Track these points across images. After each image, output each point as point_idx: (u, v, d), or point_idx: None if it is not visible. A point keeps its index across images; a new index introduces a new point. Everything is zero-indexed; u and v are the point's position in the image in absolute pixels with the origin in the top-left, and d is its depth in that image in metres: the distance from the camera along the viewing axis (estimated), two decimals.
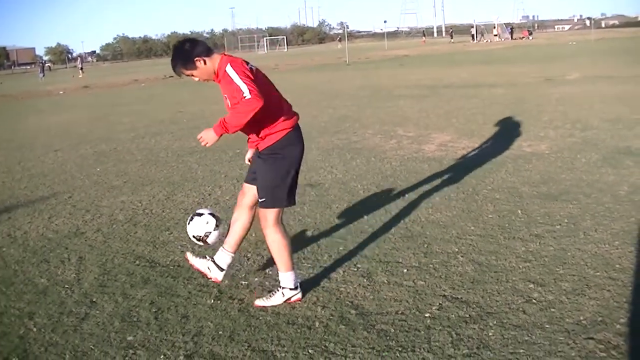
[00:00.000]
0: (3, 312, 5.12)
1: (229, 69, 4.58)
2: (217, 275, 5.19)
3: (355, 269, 5.48)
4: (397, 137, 11.83)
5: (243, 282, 5.26)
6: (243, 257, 5.95)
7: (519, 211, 6.82)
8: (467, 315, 4.48)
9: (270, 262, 5.77)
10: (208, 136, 4.65)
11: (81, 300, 5.22)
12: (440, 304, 4.70)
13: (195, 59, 4.72)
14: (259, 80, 4.67)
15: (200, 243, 5.23)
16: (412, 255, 5.71)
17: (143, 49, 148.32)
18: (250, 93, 4.42)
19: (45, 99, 31.12)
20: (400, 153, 10.35)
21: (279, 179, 4.84)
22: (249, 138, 4.97)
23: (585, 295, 4.68)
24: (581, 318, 4.33)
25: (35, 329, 4.76)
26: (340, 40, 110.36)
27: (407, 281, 5.15)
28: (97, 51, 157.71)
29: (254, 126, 4.73)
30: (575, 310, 4.45)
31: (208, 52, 4.78)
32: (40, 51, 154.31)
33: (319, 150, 10.99)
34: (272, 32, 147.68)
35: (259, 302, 4.95)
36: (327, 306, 4.79)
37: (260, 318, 4.67)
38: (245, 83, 4.47)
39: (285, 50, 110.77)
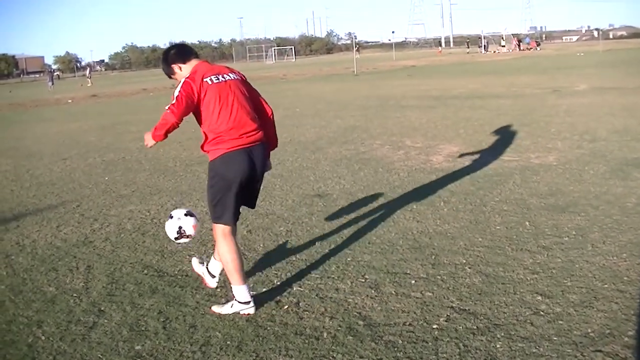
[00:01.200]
0: (12, 320, 5.13)
1: (183, 81, 4.85)
2: (210, 282, 5.45)
3: (363, 280, 5.48)
4: (405, 148, 11.84)
5: (251, 293, 5.26)
6: (251, 267, 5.96)
7: (527, 223, 6.81)
8: (475, 327, 4.47)
9: (279, 273, 5.80)
10: (147, 138, 5.03)
11: (89, 309, 5.23)
12: (448, 315, 4.70)
13: (172, 65, 5.07)
14: (207, 95, 4.84)
15: (184, 239, 5.23)
16: (420, 267, 5.71)
17: (151, 58, 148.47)
18: (170, 107, 4.76)
19: (53, 108, 31.23)
20: (408, 164, 10.36)
21: (214, 195, 4.98)
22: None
23: (593, 307, 4.67)
24: (589, 330, 4.32)
25: (43, 338, 4.77)
26: (358, 50, 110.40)
27: (415, 292, 5.15)
28: (106, 60, 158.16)
29: (204, 136, 4.97)
30: (583, 322, 4.44)
31: (184, 59, 5.07)
32: (49, 60, 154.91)
33: (327, 161, 11.02)
34: (280, 42, 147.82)
35: (214, 308, 5.10)
36: (335, 317, 4.79)
37: (268, 328, 4.68)
38: (176, 98, 4.77)
39: (294, 60, 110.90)
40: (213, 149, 4.91)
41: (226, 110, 4.86)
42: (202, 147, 5.02)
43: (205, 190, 5.34)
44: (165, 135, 4.85)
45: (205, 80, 4.83)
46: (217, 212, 4.97)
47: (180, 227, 5.13)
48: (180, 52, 5.11)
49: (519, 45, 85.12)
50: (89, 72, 71.40)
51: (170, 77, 5.20)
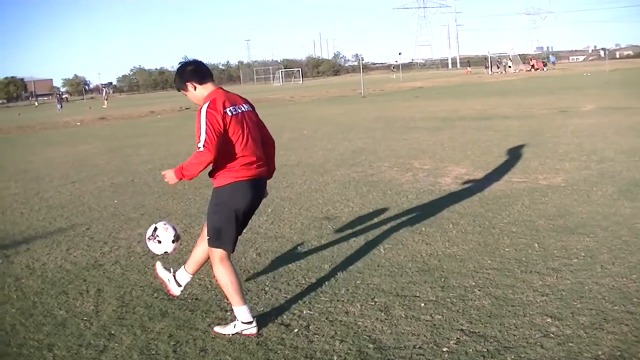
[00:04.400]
0: (22, 343, 5.15)
1: (203, 111, 4.80)
2: (174, 290, 5.54)
3: (373, 303, 5.49)
4: (413, 170, 11.85)
5: (252, 313, 5.26)
6: (260, 290, 5.98)
7: (536, 244, 6.81)
8: (485, 350, 4.47)
9: (289, 296, 5.81)
10: (169, 176, 4.94)
11: (100, 333, 5.25)
12: (457, 338, 4.70)
13: (186, 82, 5.03)
14: (229, 128, 4.84)
15: (155, 245, 5.35)
16: (429, 289, 5.72)
17: (159, 80, 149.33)
18: (204, 146, 4.68)
19: (62, 131, 31.39)
20: (416, 186, 10.37)
21: (218, 221, 5.01)
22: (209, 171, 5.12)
23: (603, 329, 4.66)
24: (599, 353, 4.31)
25: None
26: (393, 69, 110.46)
27: (425, 315, 5.15)
28: (114, 83, 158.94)
29: (214, 162, 4.92)
30: (593, 344, 4.44)
31: (202, 80, 5.04)
32: (57, 82, 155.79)
33: (335, 183, 11.04)
34: (288, 64, 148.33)
35: (217, 329, 5.14)
36: (345, 340, 4.80)
37: (279, 352, 4.68)
38: (205, 132, 4.70)
39: (301, 82, 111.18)
40: (222, 176, 4.96)
41: (240, 142, 4.91)
42: (210, 173, 5.04)
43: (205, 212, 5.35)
44: (196, 174, 4.83)
45: (226, 111, 4.84)
46: (217, 238, 5.01)
47: (155, 229, 5.33)
48: (198, 71, 5.06)
49: (544, 65, 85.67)
50: (106, 94, 71.88)
51: (179, 91, 5.20)
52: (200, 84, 5.01)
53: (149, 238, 5.36)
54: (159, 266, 5.66)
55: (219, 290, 5.94)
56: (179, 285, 5.51)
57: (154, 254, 5.56)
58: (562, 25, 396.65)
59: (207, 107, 4.80)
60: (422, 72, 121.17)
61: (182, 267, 5.52)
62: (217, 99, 4.88)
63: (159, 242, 5.30)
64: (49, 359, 4.84)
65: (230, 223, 4.98)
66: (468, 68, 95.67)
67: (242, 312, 5.00)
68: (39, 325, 5.50)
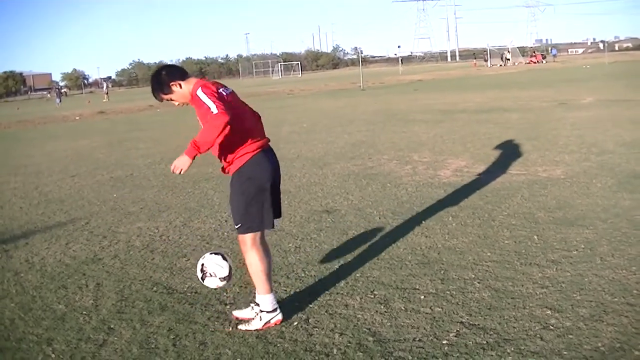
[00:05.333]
0: (21, 338, 5.15)
1: (199, 92, 4.76)
2: (275, 319, 5.08)
3: (372, 296, 5.48)
4: (413, 163, 11.85)
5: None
6: None
7: (535, 237, 6.81)
8: (485, 342, 4.47)
9: (288, 289, 5.80)
10: (181, 162, 4.79)
11: (99, 327, 5.24)
12: (457, 330, 4.70)
13: (171, 84, 4.95)
14: (230, 101, 4.83)
15: (212, 279, 5.13)
16: (429, 282, 5.71)
17: None
18: (217, 109, 4.58)
19: (61, 125, 31.36)
20: (415, 179, 10.36)
21: (249, 201, 4.93)
22: (222, 165, 5.09)
23: (603, 321, 4.66)
24: (599, 344, 4.31)
25: (53, 355, 4.78)
26: (402, 62, 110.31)
27: (425, 308, 5.15)
28: (113, 77, 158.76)
29: (224, 149, 4.91)
30: (593, 336, 4.43)
31: (183, 76, 5.00)
32: (56, 77, 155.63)
33: (335, 176, 11.03)
34: (287, 57, 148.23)
35: (241, 327, 5.05)
36: (344, 333, 4.79)
37: (278, 345, 4.68)
38: (213, 101, 4.64)
39: (300, 75, 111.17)
40: (238, 157, 4.91)
41: (241, 117, 4.91)
42: (225, 157, 4.96)
43: (227, 203, 5.18)
44: (213, 143, 4.70)
45: (220, 91, 4.85)
46: (250, 219, 4.93)
47: (202, 265, 5.09)
48: (175, 70, 5.05)
49: (543, 58, 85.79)
50: (106, 87, 71.73)
51: (162, 99, 5.09)
52: (183, 79, 4.95)
53: (204, 277, 5.08)
54: (238, 312, 5.31)
55: None
56: (274, 310, 5.09)
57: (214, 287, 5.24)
58: (561, 18, 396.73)
59: (201, 89, 4.76)
60: (422, 65, 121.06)
61: (256, 295, 5.18)
62: (206, 83, 4.88)
63: (211, 274, 5.12)
64: (49, 353, 4.83)
65: (264, 198, 4.95)
66: (474, 60, 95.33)
67: (266, 301, 5.00)
68: (38, 320, 5.50)
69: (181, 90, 4.96)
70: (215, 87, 4.87)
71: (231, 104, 4.82)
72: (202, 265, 5.07)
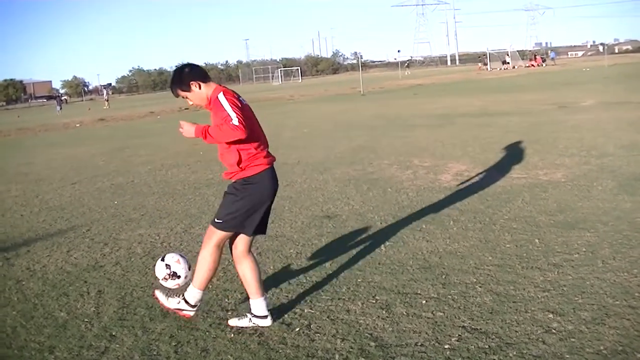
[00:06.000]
0: (23, 346, 5.14)
1: (221, 97, 4.84)
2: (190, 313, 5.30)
3: (374, 301, 5.48)
4: (413, 167, 11.85)
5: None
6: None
7: (537, 240, 6.80)
8: (487, 346, 4.47)
9: (290, 295, 5.80)
10: (188, 129, 4.91)
11: (101, 334, 5.24)
12: (459, 335, 4.69)
13: (191, 82, 5.00)
14: (246, 114, 4.88)
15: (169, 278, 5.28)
16: (430, 287, 5.71)
17: (158, 81, 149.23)
18: (238, 121, 4.67)
19: (62, 132, 31.36)
20: (416, 183, 10.36)
21: (243, 206, 5.01)
22: (227, 169, 5.11)
23: (605, 324, 4.66)
24: (601, 348, 4.31)
25: None
26: (408, 66, 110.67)
27: (426, 312, 5.15)
28: (113, 84, 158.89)
29: (234, 156, 4.93)
30: (595, 339, 4.43)
31: (205, 78, 5.06)
32: (56, 84, 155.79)
33: (335, 182, 11.03)
34: (287, 62, 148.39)
35: (232, 322, 5.21)
36: (346, 339, 4.79)
37: (280, 351, 4.68)
38: (235, 112, 4.72)
39: (300, 80, 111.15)
40: (252, 165, 4.97)
41: (256, 130, 5.02)
42: (237, 164, 4.96)
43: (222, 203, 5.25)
44: (219, 142, 4.87)
45: (240, 99, 4.93)
46: (234, 221, 5.02)
47: (168, 266, 5.25)
48: (199, 70, 5.10)
49: (543, 61, 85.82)
50: (106, 94, 71.73)
51: (178, 95, 5.13)
52: (204, 82, 5.01)
53: (164, 278, 5.27)
54: (160, 296, 5.38)
55: (220, 290, 5.98)
56: (264, 317, 5.15)
57: (172, 287, 5.37)
58: (560, 21, 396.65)
59: (223, 94, 4.84)
60: (421, 69, 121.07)
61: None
62: (227, 90, 4.95)
63: (178, 276, 5.25)
64: None
65: (258, 210, 5.06)
66: (479, 64, 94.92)
67: (259, 306, 5.13)
68: (40, 328, 5.49)
69: (199, 91, 5.01)
70: (236, 95, 4.94)
71: (247, 115, 4.88)
72: (167, 266, 5.24)
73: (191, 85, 5.00)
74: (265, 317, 5.11)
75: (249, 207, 5.00)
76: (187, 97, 5.08)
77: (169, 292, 5.27)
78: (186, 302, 5.17)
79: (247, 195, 4.99)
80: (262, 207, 5.07)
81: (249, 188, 4.99)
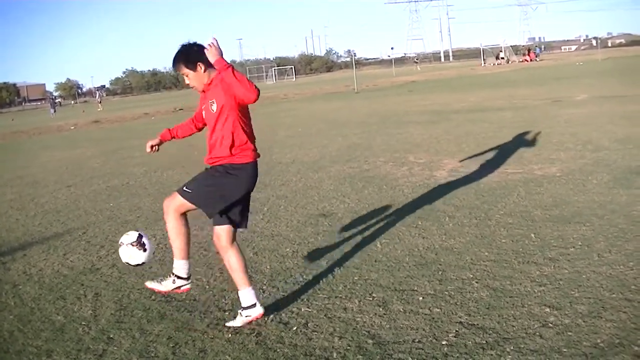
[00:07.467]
0: (21, 350, 5.14)
1: (228, 72, 4.74)
2: (187, 286, 5.33)
3: (371, 299, 5.48)
4: (408, 164, 11.85)
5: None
6: (258, 289, 5.95)
7: (532, 235, 6.81)
8: (484, 342, 4.47)
9: (287, 294, 5.80)
10: (214, 51, 4.81)
11: (98, 337, 5.24)
12: (456, 331, 4.70)
13: (197, 62, 4.96)
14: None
15: (146, 259, 5.28)
16: (427, 283, 5.71)
17: (152, 82, 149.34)
18: (256, 87, 4.73)
19: (56, 135, 31.33)
20: (412, 180, 10.37)
21: (217, 188, 5.03)
22: (214, 154, 5.08)
23: (602, 317, 4.67)
24: (598, 341, 4.31)
25: None
26: (416, 61, 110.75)
27: (423, 309, 5.15)
28: (107, 85, 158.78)
29: (229, 141, 4.94)
30: (592, 333, 4.44)
31: (210, 64, 4.94)
32: (50, 87, 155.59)
33: (330, 180, 11.03)
34: (280, 61, 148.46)
35: (229, 323, 5.20)
36: (344, 337, 4.79)
37: (278, 350, 4.68)
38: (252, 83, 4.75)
39: (294, 79, 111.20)
40: (241, 153, 4.99)
41: (250, 122, 5.09)
42: (229, 148, 4.97)
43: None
44: (237, 82, 4.74)
45: None
46: (204, 197, 5.06)
47: (140, 237, 5.29)
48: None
49: (528, 55, 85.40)
50: (99, 96, 71.69)
51: (179, 71, 5.08)
52: (210, 67, 4.97)
53: (132, 244, 5.24)
54: (153, 285, 5.37)
55: (217, 291, 5.99)
56: (187, 278, 5.28)
57: (127, 263, 5.33)
58: (553, 16, 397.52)
59: (231, 69, 4.78)
60: (413, 67, 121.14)
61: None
62: None
63: (145, 250, 5.24)
64: None
65: (223, 195, 5.05)
66: (482, 62, 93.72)
67: (246, 296, 5.12)
68: (38, 332, 5.49)
69: (202, 73, 4.99)
70: None
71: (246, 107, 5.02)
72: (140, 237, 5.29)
73: (197, 64, 4.96)
74: (254, 305, 5.09)
75: (222, 191, 5.01)
76: (187, 75, 5.04)
77: (160, 278, 5.25)
78: (178, 277, 5.18)
79: (226, 179, 5.00)
80: (233, 196, 5.05)
81: (230, 173, 5.00)
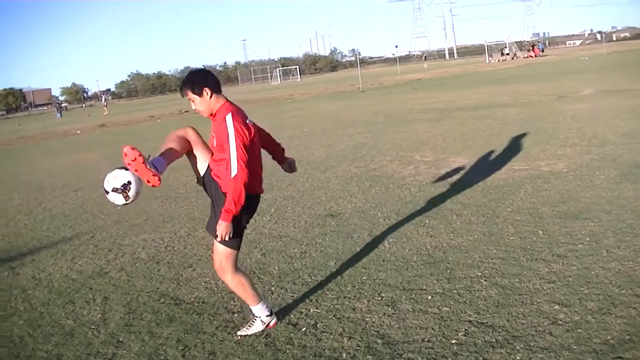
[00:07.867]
0: (31, 355, 5.16)
1: (229, 120, 4.74)
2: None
3: (380, 298, 5.48)
4: (415, 163, 11.84)
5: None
6: (267, 290, 5.97)
7: (540, 232, 6.80)
8: (494, 340, 4.47)
9: (295, 295, 5.80)
10: (223, 228, 4.78)
11: (108, 341, 5.25)
12: (466, 329, 4.69)
13: (204, 88, 4.89)
14: (252, 138, 4.85)
15: (121, 197, 5.10)
16: (435, 282, 5.71)
17: (157, 84, 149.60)
18: (237, 167, 4.64)
19: (62, 139, 31.40)
20: (418, 178, 10.35)
21: (238, 228, 4.95)
22: (218, 175, 5.03)
23: (612, 314, 4.66)
24: (608, 337, 4.31)
25: None
26: (425, 58, 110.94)
27: (432, 308, 5.15)
28: (112, 89, 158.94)
29: (225, 171, 4.82)
30: (602, 329, 4.43)
31: (218, 89, 4.95)
32: (56, 92, 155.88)
33: (337, 180, 11.03)
34: (285, 62, 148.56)
35: (240, 332, 5.12)
36: (353, 337, 4.79)
37: (287, 352, 4.68)
38: (236, 152, 4.67)
39: (299, 79, 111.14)
40: (250, 186, 4.85)
41: (256, 154, 4.96)
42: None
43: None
44: (242, 200, 4.74)
45: (247, 122, 4.86)
46: (240, 236, 5.01)
47: (129, 183, 5.23)
48: (216, 80, 5.01)
49: (533, 51, 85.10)
50: (105, 100, 71.83)
51: (185, 95, 5.03)
52: (217, 93, 4.93)
53: (115, 190, 5.11)
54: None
55: (226, 293, 5.96)
56: (271, 314, 5.21)
57: (112, 202, 5.15)
58: (557, 11, 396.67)
59: (232, 117, 4.74)
60: (420, 64, 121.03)
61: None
62: (234, 111, 4.83)
63: (126, 197, 5.16)
64: None
65: (243, 229, 5.04)
66: (491, 59, 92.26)
67: (260, 309, 5.12)
68: (47, 336, 5.50)
69: (208, 100, 4.92)
70: (243, 119, 4.85)
71: (252, 140, 4.85)
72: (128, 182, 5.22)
73: (203, 90, 4.91)
74: (272, 314, 5.15)
75: (239, 226, 4.97)
76: (193, 101, 4.99)
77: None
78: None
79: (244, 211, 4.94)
80: (244, 225, 5.06)
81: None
